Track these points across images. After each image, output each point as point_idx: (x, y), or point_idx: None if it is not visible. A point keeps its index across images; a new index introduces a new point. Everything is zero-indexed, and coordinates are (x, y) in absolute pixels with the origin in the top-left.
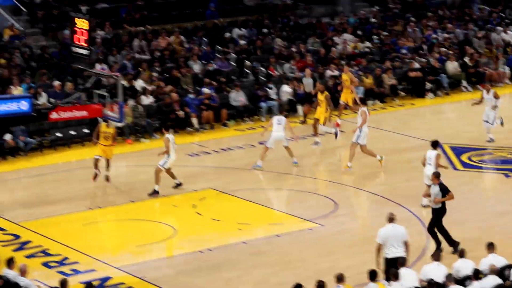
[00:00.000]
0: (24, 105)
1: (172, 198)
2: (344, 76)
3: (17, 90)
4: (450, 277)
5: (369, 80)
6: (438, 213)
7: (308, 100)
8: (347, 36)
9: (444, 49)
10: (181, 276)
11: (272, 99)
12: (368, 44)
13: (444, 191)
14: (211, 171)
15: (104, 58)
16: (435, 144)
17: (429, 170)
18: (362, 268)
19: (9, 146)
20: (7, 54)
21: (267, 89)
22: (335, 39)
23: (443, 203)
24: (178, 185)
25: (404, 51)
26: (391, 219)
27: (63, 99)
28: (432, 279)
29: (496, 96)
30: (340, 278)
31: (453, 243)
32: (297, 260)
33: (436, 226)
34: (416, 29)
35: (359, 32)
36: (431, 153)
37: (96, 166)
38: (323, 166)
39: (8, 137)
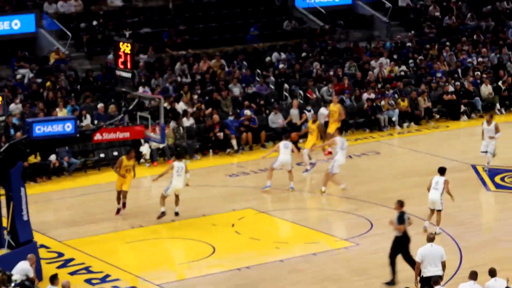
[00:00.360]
0: (68, 127)
1: (212, 217)
2: (333, 108)
3: (62, 112)
4: None
5: (404, 103)
6: (398, 241)
7: (297, 130)
8: (383, 60)
9: (478, 73)
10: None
11: None
12: (404, 68)
13: (400, 220)
14: (250, 191)
15: (146, 81)
16: (443, 171)
17: (434, 194)
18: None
19: (54, 166)
20: (53, 77)
21: (305, 111)
22: (371, 63)
23: (405, 232)
24: (163, 213)
25: (439, 74)
26: (430, 239)
27: (106, 121)
28: None
29: (497, 129)
30: None
31: (392, 280)
32: (332, 278)
33: (402, 254)
34: (451, 53)
35: (395, 56)
36: (440, 179)
37: (119, 200)
38: (361, 186)
39: (53, 157)
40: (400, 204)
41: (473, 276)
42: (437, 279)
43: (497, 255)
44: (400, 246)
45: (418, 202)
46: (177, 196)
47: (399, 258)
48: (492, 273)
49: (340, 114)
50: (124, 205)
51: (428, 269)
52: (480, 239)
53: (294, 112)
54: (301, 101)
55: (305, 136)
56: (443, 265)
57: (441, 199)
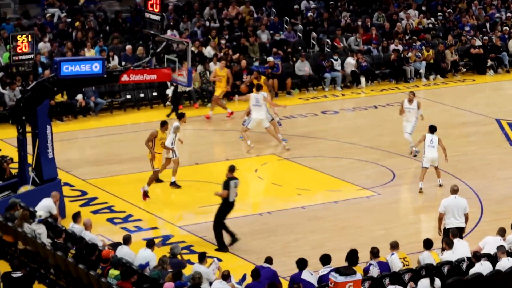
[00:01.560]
0: (96, 67)
1: (235, 162)
2: (220, 72)
3: (90, 53)
4: (502, 249)
5: (429, 53)
6: (221, 207)
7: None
8: (411, 11)
9: (506, 28)
10: (240, 238)
11: (336, 70)
12: (432, 20)
13: (225, 185)
14: (274, 138)
15: (175, 25)
16: (434, 129)
17: (432, 152)
18: (416, 237)
19: (80, 106)
20: (82, 17)
21: (332, 60)
22: (400, 14)
23: (226, 199)
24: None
25: (467, 28)
26: (454, 191)
27: (134, 62)
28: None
29: (419, 107)
30: (394, 246)
31: (222, 246)
32: (353, 226)
33: (215, 219)
34: (480, 7)
35: (424, 8)
36: (433, 137)
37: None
38: (385, 137)
39: (79, 97)
40: (231, 169)
41: (502, 232)
42: (456, 231)
43: None
44: (221, 211)
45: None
46: None
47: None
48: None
49: (229, 78)
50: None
51: (451, 220)
52: (502, 193)
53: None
54: (329, 50)
55: None
56: (466, 218)
57: (438, 155)
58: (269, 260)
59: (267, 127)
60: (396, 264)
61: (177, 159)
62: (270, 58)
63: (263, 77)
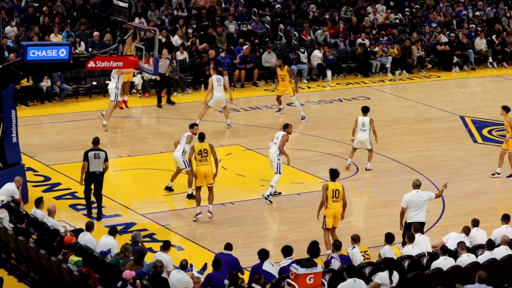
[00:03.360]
0: (62, 53)
1: None
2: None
3: (56, 38)
4: (462, 245)
5: (394, 50)
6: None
7: (166, 82)
8: (379, 6)
9: (473, 26)
10: (202, 227)
11: (302, 63)
12: (399, 15)
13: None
14: (239, 128)
15: (143, 12)
16: (366, 110)
17: (363, 135)
18: (377, 231)
19: (46, 91)
20: (49, 2)
21: (299, 52)
22: (367, 9)
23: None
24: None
25: (434, 24)
26: (416, 185)
27: (101, 49)
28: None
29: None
30: (355, 239)
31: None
32: (315, 219)
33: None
34: (448, 4)
35: (392, 3)
36: (365, 119)
37: (199, 202)
38: (349, 130)
39: (45, 82)
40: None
41: (466, 230)
42: (418, 226)
43: (479, 206)
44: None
45: (405, 149)
46: None
47: None
48: (476, 223)
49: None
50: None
51: (413, 215)
52: (463, 189)
53: (165, 62)
54: (296, 42)
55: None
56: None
57: (370, 138)
58: (228, 246)
59: (224, 105)
60: (357, 257)
61: (190, 170)
62: (246, 46)
63: (286, 66)
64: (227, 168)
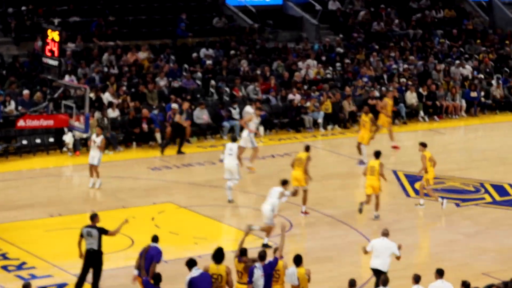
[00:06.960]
0: None
1: (132, 209)
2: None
3: None
4: None
5: (326, 105)
6: None
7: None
8: (310, 61)
9: (404, 80)
10: (136, 286)
11: (234, 119)
12: (330, 70)
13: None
14: (171, 186)
15: (73, 70)
16: (234, 139)
17: (229, 161)
18: (313, 287)
19: None
20: None
21: (231, 109)
22: (299, 64)
23: None
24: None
25: (365, 79)
26: (384, 234)
27: (31, 107)
28: None
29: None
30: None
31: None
32: None
33: None
34: (378, 59)
35: (323, 58)
36: (233, 145)
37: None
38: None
39: None
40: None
41: (417, 278)
42: (386, 279)
43: (415, 260)
44: None
45: (339, 204)
46: None
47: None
48: (417, 278)
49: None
50: None
51: (375, 261)
52: (396, 243)
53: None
54: (227, 98)
55: None
56: (397, 258)
57: (237, 164)
58: (155, 238)
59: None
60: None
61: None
62: (175, 105)
63: (370, 114)
64: (160, 226)
